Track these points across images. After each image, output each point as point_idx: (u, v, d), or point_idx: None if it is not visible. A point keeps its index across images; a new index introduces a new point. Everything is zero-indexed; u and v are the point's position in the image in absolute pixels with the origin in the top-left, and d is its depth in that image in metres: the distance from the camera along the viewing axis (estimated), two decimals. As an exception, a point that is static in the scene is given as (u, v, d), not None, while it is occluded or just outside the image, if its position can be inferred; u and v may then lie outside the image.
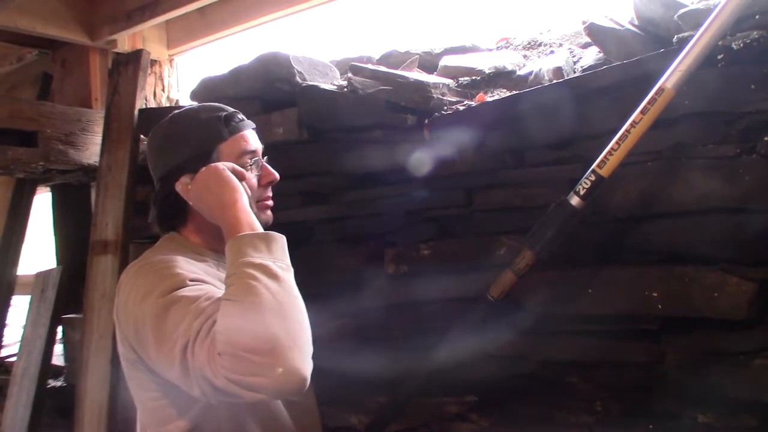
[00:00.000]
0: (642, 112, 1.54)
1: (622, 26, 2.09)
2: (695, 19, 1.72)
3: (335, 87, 2.41)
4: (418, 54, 2.63)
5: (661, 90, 1.53)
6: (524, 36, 2.69)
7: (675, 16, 1.81)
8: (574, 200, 1.62)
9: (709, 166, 1.75)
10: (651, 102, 1.53)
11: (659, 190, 1.82)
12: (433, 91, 2.15)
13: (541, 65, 2.26)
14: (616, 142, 1.57)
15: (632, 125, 1.55)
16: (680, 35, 1.78)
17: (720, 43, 1.64)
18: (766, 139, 1.67)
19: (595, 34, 2.10)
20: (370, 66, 2.37)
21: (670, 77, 1.53)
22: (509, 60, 2.44)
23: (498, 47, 2.70)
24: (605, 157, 1.58)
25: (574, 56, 2.38)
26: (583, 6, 2.67)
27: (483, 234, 2.18)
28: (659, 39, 1.98)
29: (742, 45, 1.64)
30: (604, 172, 1.59)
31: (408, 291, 2.27)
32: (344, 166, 2.35)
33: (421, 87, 2.15)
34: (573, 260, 1.99)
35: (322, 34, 3.35)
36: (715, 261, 1.75)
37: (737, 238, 1.72)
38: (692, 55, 1.51)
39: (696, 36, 1.52)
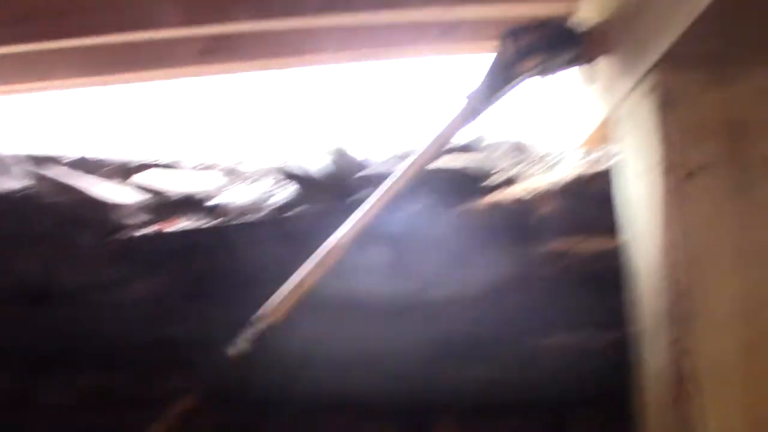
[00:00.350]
0: (309, 266, 1.63)
1: (313, 173, 2.25)
2: (371, 183, 1.92)
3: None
4: (113, 163, 2.51)
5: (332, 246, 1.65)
6: (229, 160, 2.72)
7: (354, 178, 2.01)
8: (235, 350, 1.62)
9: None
10: (319, 258, 1.64)
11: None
12: (114, 210, 2.06)
13: (236, 196, 2.30)
14: (287, 290, 1.63)
15: (307, 275, 1.63)
16: (353, 198, 1.97)
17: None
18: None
19: (289, 176, 2.22)
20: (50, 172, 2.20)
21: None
22: (206, 185, 2.45)
23: (199, 168, 2.69)
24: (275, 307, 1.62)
25: (271, 192, 2.48)
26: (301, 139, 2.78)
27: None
28: (348, 187, 2.16)
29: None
30: (271, 318, 1.62)
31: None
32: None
33: (99, 205, 2.06)
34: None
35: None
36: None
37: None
38: (360, 222, 1.66)
39: (364, 204, 1.69)
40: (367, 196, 1.71)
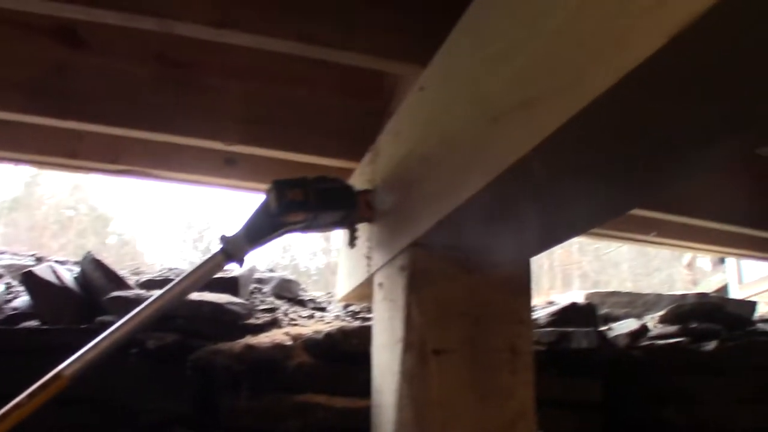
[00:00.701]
0: (30, 395, 1.44)
1: (63, 282, 2.06)
2: (121, 306, 1.79)
3: None
4: None
5: (56, 377, 1.47)
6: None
7: (105, 297, 1.86)
8: None
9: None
10: (42, 387, 1.45)
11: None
12: None
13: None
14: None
15: (16, 407, 1.43)
16: (102, 318, 1.82)
17: (138, 336, 1.72)
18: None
19: (32, 283, 2.01)
20: None
21: (70, 365, 1.48)
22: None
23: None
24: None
25: (10, 292, 2.22)
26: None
27: None
28: (98, 305, 2.00)
29: (156, 346, 1.74)
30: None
31: None
32: None
33: None
34: None
35: None
36: None
37: None
38: (99, 347, 1.50)
39: (110, 329, 1.54)
40: (117, 319, 1.57)
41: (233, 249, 1.53)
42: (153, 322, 1.60)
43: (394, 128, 1.60)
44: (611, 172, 1.09)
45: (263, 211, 1.53)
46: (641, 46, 0.74)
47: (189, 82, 1.79)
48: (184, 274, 1.56)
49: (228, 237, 1.54)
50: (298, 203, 1.50)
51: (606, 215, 1.36)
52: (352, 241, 1.67)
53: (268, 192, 1.52)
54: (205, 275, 1.56)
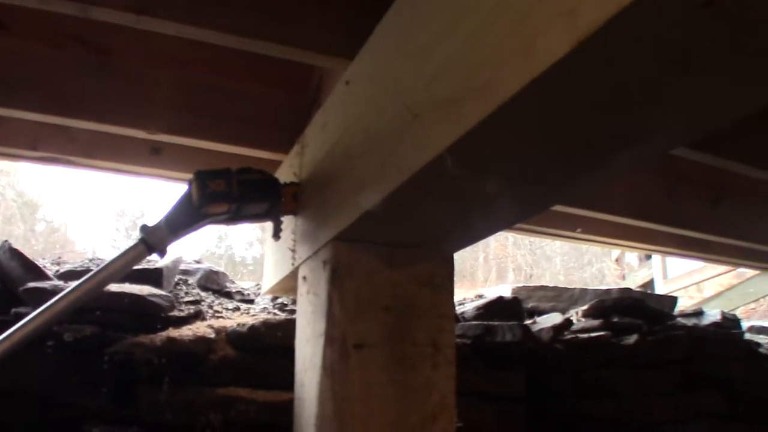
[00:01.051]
0: None
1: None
2: (38, 297, 1.73)
3: None
4: None
5: None
6: None
7: (21, 288, 1.80)
8: None
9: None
10: None
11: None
12: None
13: None
14: None
15: None
16: (17, 309, 1.76)
17: (55, 328, 1.67)
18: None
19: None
20: None
21: None
22: None
23: None
24: None
25: None
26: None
27: None
28: (14, 295, 1.92)
29: (73, 338, 1.69)
30: None
31: None
32: None
33: None
34: None
35: None
36: None
37: None
38: (12, 339, 1.43)
39: (24, 321, 1.48)
40: (33, 310, 1.51)
41: (154, 239, 1.49)
42: (70, 313, 1.56)
43: (321, 121, 1.59)
44: (528, 171, 1.11)
45: (185, 201, 1.50)
46: (549, 52, 0.76)
47: (113, 68, 1.73)
48: (103, 265, 1.52)
49: (149, 227, 1.50)
50: (221, 194, 1.48)
51: (525, 213, 1.39)
52: (276, 234, 1.66)
53: (190, 182, 1.49)
54: (125, 266, 1.52)
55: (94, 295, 1.56)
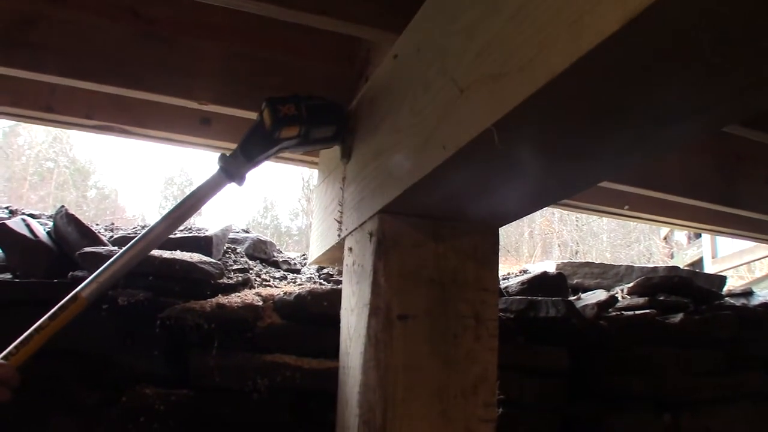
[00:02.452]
0: (51, 317, 1.46)
1: (36, 236, 2.05)
2: (94, 261, 1.79)
3: None
4: None
5: (74, 298, 1.49)
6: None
7: (77, 253, 1.86)
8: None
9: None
10: (62, 308, 1.48)
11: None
12: None
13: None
14: (15, 347, 1.44)
15: (38, 329, 1.44)
16: (74, 273, 1.83)
17: (110, 293, 1.73)
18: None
19: (4, 235, 2.01)
20: None
21: (86, 287, 1.51)
22: None
23: None
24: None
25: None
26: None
27: None
28: (70, 260, 2.00)
29: (126, 302, 1.75)
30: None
31: None
32: None
33: None
34: None
35: None
36: None
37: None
38: (111, 270, 1.54)
39: (121, 251, 1.58)
40: (89, 274, 1.58)
41: (232, 168, 1.56)
42: (165, 237, 1.63)
43: (368, 95, 1.60)
44: (575, 147, 1.10)
45: (257, 128, 1.57)
46: (597, 29, 0.75)
47: (164, 38, 1.77)
48: (189, 193, 1.60)
49: (227, 156, 1.57)
50: (292, 117, 1.54)
51: (569, 190, 1.38)
52: (347, 155, 1.69)
53: (261, 110, 1.54)
54: (209, 193, 1.60)
55: (183, 223, 1.64)
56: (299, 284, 2.14)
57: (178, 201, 1.65)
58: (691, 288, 2.63)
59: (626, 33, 0.73)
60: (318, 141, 1.65)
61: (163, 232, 1.59)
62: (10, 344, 1.46)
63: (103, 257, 1.84)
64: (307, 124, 1.56)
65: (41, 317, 1.47)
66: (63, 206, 2.16)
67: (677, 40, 0.76)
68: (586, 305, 2.43)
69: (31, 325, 1.46)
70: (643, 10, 0.69)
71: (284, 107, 1.54)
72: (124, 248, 1.57)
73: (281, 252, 2.47)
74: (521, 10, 0.93)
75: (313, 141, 1.63)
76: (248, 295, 1.93)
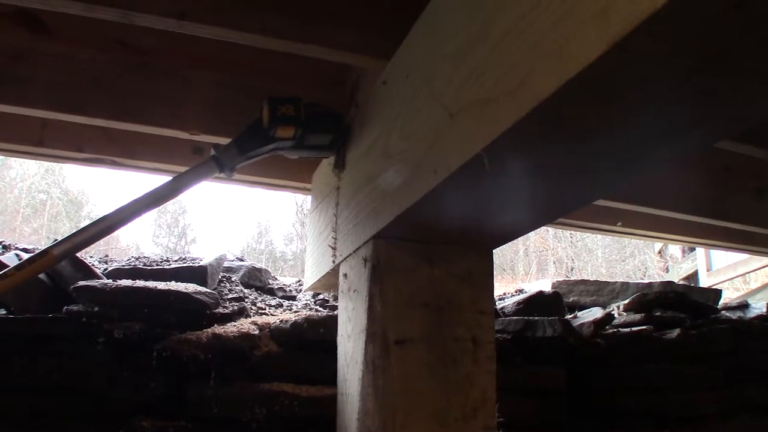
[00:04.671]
0: (18, 267, 1.47)
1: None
2: (88, 295, 1.79)
3: None
4: None
5: (45, 253, 1.50)
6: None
7: (72, 287, 1.85)
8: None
9: None
10: (30, 261, 1.48)
11: None
12: None
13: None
14: None
15: (3, 276, 1.45)
16: (69, 307, 1.84)
17: (105, 326, 1.73)
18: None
19: None
20: None
21: (59, 245, 1.52)
22: None
23: None
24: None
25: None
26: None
27: None
28: (65, 294, 1.99)
29: (122, 335, 1.75)
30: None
31: None
32: None
33: None
34: None
35: None
36: None
37: None
38: (88, 232, 1.54)
39: (100, 217, 1.57)
40: (85, 308, 1.58)
41: (225, 158, 1.57)
42: (146, 210, 1.59)
43: (359, 120, 1.61)
44: (566, 169, 1.11)
45: (255, 124, 1.58)
46: (583, 53, 0.76)
47: (154, 70, 1.78)
48: (175, 176, 1.60)
49: (220, 147, 1.59)
50: (289, 117, 1.56)
51: (562, 210, 1.38)
52: (340, 164, 1.70)
53: (261, 108, 1.55)
54: (196, 178, 1.60)
55: (166, 200, 1.61)
56: (295, 311, 2.13)
57: (163, 183, 1.63)
58: (686, 303, 2.63)
59: (611, 56, 0.74)
60: (314, 147, 1.66)
61: (142, 208, 1.57)
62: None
63: (98, 291, 1.84)
64: (304, 127, 1.57)
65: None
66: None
67: (660, 63, 0.77)
68: (582, 323, 2.43)
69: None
70: (627, 35, 0.70)
71: (283, 107, 1.56)
72: (102, 215, 1.57)
73: (276, 279, 2.47)
74: (507, 35, 0.94)
75: (309, 147, 1.64)
76: (244, 324, 1.93)
